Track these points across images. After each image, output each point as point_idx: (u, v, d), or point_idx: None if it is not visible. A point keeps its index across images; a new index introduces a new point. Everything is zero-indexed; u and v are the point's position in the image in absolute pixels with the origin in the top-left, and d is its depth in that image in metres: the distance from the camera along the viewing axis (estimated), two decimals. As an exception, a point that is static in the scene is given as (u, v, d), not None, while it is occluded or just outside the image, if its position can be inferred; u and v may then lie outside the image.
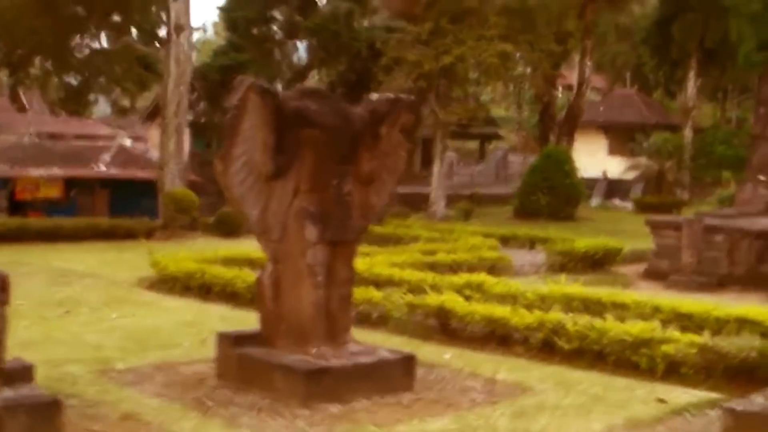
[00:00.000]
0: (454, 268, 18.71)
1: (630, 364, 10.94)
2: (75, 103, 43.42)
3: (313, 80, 55.10)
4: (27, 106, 45.18)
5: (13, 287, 16.15)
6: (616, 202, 48.41)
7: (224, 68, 45.62)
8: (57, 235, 25.53)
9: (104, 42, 39.17)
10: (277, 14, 50.73)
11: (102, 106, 57.18)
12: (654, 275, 21.85)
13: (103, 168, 37.93)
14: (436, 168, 39.03)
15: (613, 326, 11.28)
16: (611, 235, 27.64)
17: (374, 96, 10.64)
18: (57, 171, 36.85)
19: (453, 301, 12.92)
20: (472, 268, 18.47)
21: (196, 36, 69.45)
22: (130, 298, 15.98)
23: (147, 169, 36.52)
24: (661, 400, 9.49)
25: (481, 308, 12.60)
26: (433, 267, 18.77)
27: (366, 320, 13.71)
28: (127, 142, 51.98)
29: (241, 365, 9.69)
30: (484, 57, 34.72)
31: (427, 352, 11.79)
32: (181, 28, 29.49)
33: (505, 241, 26.71)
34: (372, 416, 8.84)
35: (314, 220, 9.52)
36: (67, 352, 11.22)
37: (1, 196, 36.65)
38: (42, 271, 19.04)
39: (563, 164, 37.78)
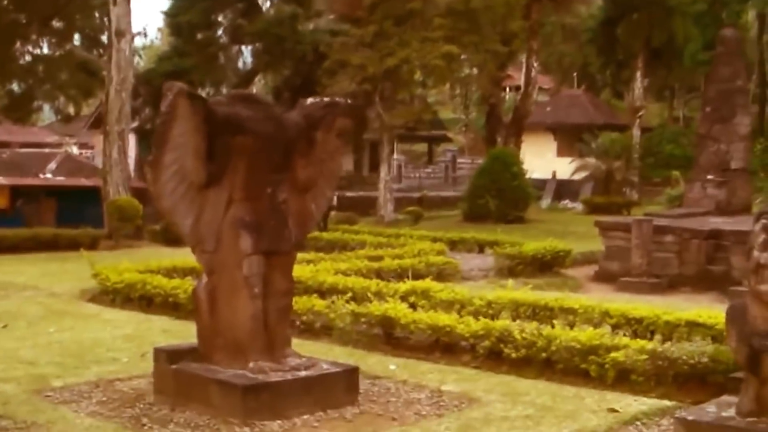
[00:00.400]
0: (400, 274, 18.44)
1: (579, 372, 10.70)
2: (19, 110, 42.82)
3: (259, 85, 54.80)
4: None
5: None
6: (567, 203, 48.40)
7: (169, 74, 44.89)
8: (-2, 247, 25.02)
9: (46, 49, 38.72)
10: (222, 19, 50.31)
11: (47, 114, 56.58)
12: (604, 277, 21.74)
13: (49, 176, 37.30)
14: (383, 172, 38.78)
15: (561, 333, 11.03)
16: (561, 236, 27.49)
17: (309, 100, 10.30)
18: (2, 180, 36.19)
19: (397, 309, 12.62)
20: (419, 274, 18.24)
21: (140, 41, 68.95)
22: (70, 310, 15.54)
23: (94, 177, 35.96)
24: (612, 410, 9.22)
25: (425, 316, 12.33)
26: (379, 273, 18.52)
27: (310, 330, 13.44)
28: (74, 150, 51.44)
29: (177, 381, 9.34)
30: (428, 59, 34.50)
31: (372, 363, 11.51)
32: (122, 33, 29.02)
33: (454, 245, 26.56)
34: (314, 432, 8.57)
35: (249, 230, 9.20)
36: (2, 370, 10.81)
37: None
38: (-21, 284, 18.57)
39: (511, 166, 37.59)
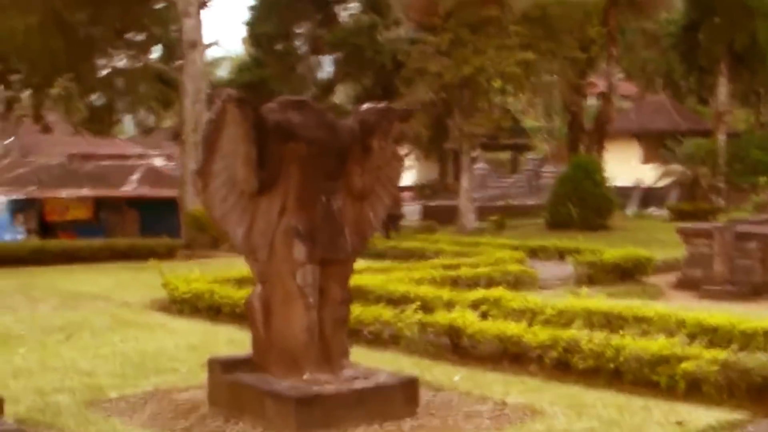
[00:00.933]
0: (476, 282, 18.12)
1: (649, 383, 10.29)
2: (99, 123, 43.29)
3: (339, 95, 54.77)
4: (50, 127, 45.01)
5: (19, 312, 16.00)
6: (652, 210, 47.56)
7: (248, 84, 45.28)
8: (75, 257, 25.14)
9: (124, 62, 39.04)
10: (300, 29, 50.45)
11: (130, 126, 57.17)
12: (686, 285, 21.24)
13: (131, 188, 37.57)
14: (464, 181, 38.45)
15: (630, 343, 10.63)
16: (645, 244, 27.02)
17: (364, 106, 10.06)
18: (86, 192, 36.55)
19: (464, 318, 12.31)
20: (495, 283, 17.93)
21: (221, 52, 69.27)
22: (138, 320, 15.48)
23: (176, 188, 36.17)
24: (680, 423, 8.83)
25: (492, 326, 12.01)
26: (455, 282, 18.23)
27: (377, 340, 13.17)
28: (158, 162, 51.85)
29: (232, 392, 9.15)
30: (504, 66, 34.11)
31: (437, 373, 11.23)
32: (194, 44, 29.10)
33: (534, 253, 26.18)
34: (367, 446, 8.30)
35: (302, 239, 8.97)
36: (58, 380, 10.71)
37: (31, 218, 36.46)
38: (52, 294, 18.61)
39: (593, 174, 37.00)
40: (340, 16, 50.54)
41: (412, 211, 49.41)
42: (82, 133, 47.81)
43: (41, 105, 40.68)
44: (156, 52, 41.34)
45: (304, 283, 8.97)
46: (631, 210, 47.79)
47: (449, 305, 14.03)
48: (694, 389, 9.97)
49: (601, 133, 43.11)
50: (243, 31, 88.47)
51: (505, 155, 76.32)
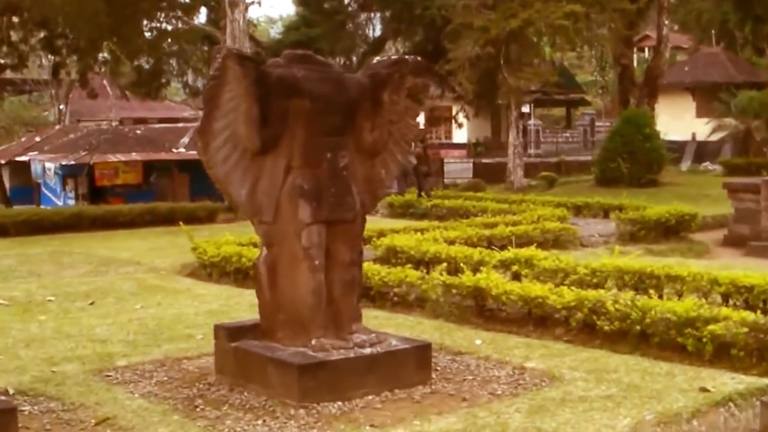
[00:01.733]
0: (513, 241, 17.69)
1: (676, 346, 9.82)
2: (146, 85, 43.10)
3: (390, 52, 54.19)
4: (96, 93, 44.92)
5: (45, 279, 15.84)
6: (706, 165, 46.63)
7: (296, 44, 44.78)
8: (114, 223, 24.98)
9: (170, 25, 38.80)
10: (349, -14, 49.96)
11: (179, 89, 57.03)
12: (733, 242, 20.76)
13: (181, 151, 37.38)
14: (512, 137, 37.91)
15: (656, 304, 10.16)
16: (694, 200, 26.51)
17: (376, 59, 9.65)
18: (135, 156, 36.44)
19: (489, 279, 11.89)
20: (534, 241, 17.55)
21: (272, 12, 68.73)
22: (164, 286, 15.24)
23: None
24: (704, 389, 8.38)
25: (517, 287, 11.57)
26: (490, 241, 17.82)
27: (403, 302, 12.84)
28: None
29: (237, 360, 8.84)
30: (552, 19, 33.37)
31: (459, 337, 10.90)
32: (236, 3, 28.71)
33: (578, 210, 25.69)
34: (373, 415, 7.95)
35: (307, 199, 8.60)
36: (70, 349, 10.50)
37: (81, 183, 36.47)
38: (84, 260, 18.43)
39: (643, 128, 36.14)
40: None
41: (463, 168, 48.97)
42: (129, 98, 47.70)
43: (88, 70, 40.43)
44: (203, 14, 41.10)
45: (309, 244, 8.62)
46: (685, 165, 46.89)
47: (480, 265, 13.66)
48: (722, 353, 9.50)
49: (652, 86, 42.21)
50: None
51: (559, 111, 75.51)
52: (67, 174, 36.56)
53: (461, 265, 13.47)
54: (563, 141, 65.70)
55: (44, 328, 11.71)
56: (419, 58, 9.65)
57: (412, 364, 8.82)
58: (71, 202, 35.64)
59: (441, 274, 12.60)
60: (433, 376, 9.01)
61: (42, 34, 38.18)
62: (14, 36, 37.81)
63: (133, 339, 10.99)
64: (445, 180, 41.04)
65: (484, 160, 51.37)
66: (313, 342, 8.59)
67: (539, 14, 33.36)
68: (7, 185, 38.44)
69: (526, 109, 52.78)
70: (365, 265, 13.46)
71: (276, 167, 8.75)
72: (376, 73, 9.22)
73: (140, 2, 33.87)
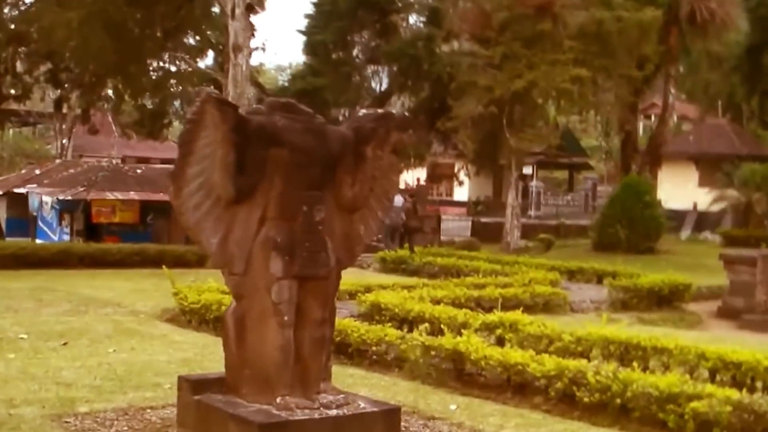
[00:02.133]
0: (502, 304, 17.39)
1: (657, 422, 9.53)
2: (150, 126, 43.03)
3: (395, 106, 54.18)
4: (97, 129, 44.86)
5: (22, 315, 15.53)
6: (706, 234, 46.43)
7: (302, 92, 44.78)
8: (102, 262, 24.71)
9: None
10: (358, 39, 49.91)
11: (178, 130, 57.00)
12: (727, 314, 20.52)
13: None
14: (511, 197, 37.68)
15: (638, 377, 9.87)
16: (690, 269, 26.25)
17: (362, 112, 9.41)
18: (133, 195, 36.17)
19: (469, 343, 11.59)
20: (525, 305, 17.33)
21: (276, 60, 68.81)
22: (140, 330, 14.93)
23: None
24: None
25: (496, 352, 11.27)
26: (478, 303, 17.55)
27: (381, 361, 12.54)
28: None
29: (199, 414, 8.51)
30: (557, 82, 33.29)
31: (434, 400, 10.60)
32: (239, 48, 28.56)
33: (572, 275, 25.41)
34: (334, 481, 7.64)
35: (280, 252, 8.32)
36: (32, 391, 10.19)
37: (77, 219, 36.20)
38: (65, 298, 18.15)
39: (643, 195, 36.03)
40: (399, 26, 49.81)
41: (461, 226, 48.74)
42: (132, 136, 47.56)
43: (90, 105, 40.40)
44: (210, 58, 41.13)
45: (279, 299, 8.31)
46: (684, 234, 46.70)
47: (463, 327, 13.38)
48: (704, 431, 9.20)
49: (655, 153, 42.14)
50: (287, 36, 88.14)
51: (562, 174, 75.39)
52: (64, 209, 36.28)
53: (442, 326, 13.14)
54: (564, 204, 65.53)
55: (10, 368, 11.42)
56: (406, 114, 9.40)
57: (380, 429, 8.48)
58: (66, 237, 35.35)
59: (421, 335, 12.29)
60: (402, 441, 8.70)
61: (47, 67, 38.14)
62: (19, 67, 37.78)
63: (100, 384, 10.69)
64: (441, 237, 40.74)
65: (483, 219, 51.18)
66: (278, 400, 8.27)
67: (545, 76, 33.29)
68: (3, 216, 38.19)
69: (528, 170, 52.72)
70: (345, 321, 13.33)
71: (250, 217, 8.46)
72: (361, 126, 8.97)
73: (146, 41, 33.82)
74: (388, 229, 31.58)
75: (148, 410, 9.58)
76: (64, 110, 44.64)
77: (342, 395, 8.66)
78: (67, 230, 36.10)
